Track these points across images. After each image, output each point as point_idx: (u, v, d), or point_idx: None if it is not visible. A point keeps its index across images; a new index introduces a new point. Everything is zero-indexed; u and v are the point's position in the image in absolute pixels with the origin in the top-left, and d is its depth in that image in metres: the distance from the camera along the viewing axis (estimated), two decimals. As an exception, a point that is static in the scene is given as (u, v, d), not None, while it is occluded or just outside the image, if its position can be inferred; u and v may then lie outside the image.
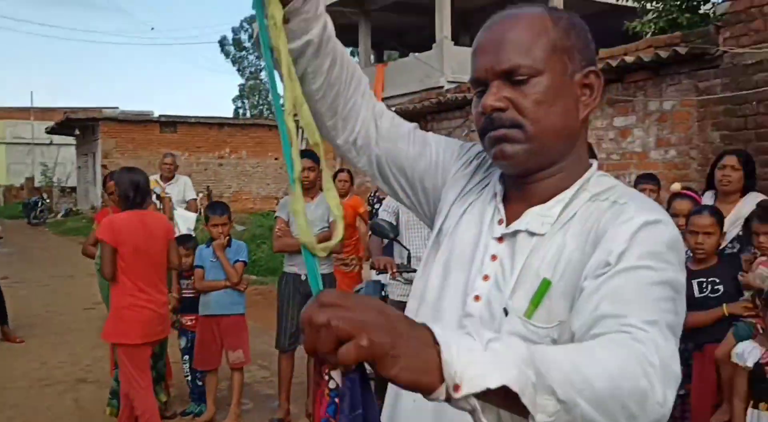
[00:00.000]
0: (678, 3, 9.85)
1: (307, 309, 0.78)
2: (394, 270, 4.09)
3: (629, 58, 5.79)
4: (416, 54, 22.51)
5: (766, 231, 3.43)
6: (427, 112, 8.65)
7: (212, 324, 4.86)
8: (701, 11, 9.61)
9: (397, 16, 22.98)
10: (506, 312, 1.11)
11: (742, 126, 5.26)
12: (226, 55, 53.04)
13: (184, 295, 5.08)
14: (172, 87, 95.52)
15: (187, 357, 5.10)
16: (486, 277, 1.16)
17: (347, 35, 23.58)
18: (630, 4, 10.62)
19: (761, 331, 3.09)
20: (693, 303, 3.59)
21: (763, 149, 5.10)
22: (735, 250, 3.93)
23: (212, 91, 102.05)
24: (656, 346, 0.89)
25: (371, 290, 4.86)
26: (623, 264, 1.00)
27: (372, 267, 4.23)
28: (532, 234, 1.14)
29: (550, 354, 0.81)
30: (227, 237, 4.87)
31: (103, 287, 5.18)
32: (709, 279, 3.64)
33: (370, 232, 4.78)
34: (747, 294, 3.47)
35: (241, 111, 53.90)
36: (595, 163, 1.22)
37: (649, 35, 10.46)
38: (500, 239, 1.18)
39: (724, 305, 3.53)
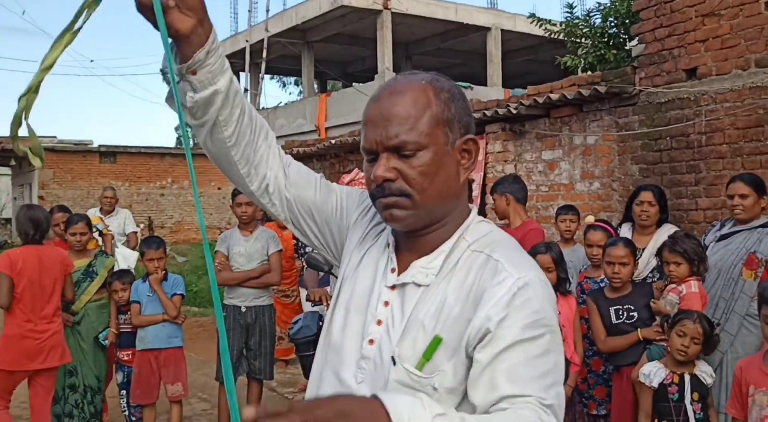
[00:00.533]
0: (605, 40, 10.32)
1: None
2: (328, 302, 4.22)
3: (554, 96, 6.10)
4: (358, 84, 22.82)
5: (675, 260, 3.68)
6: (367, 144, 8.86)
7: (150, 358, 4.88)
8: (627, 47, 10.09)
9: (340, 47, 23.25)
10: (394, 361, 1.22)
11: (658, 160, 5.61)
12: (168, 83, 52.48)
13: (121, 330, 5.07)
14: (111, 117, 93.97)
15: (124, 392, 5.08)
16: (379, 322, 1.28)
17: (290, 65, 23.80)
18: (561, 37, 11.05)
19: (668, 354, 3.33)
20: (611, 329, 3.86)
21: (676, 181, 5.44)
22: (655, 279, 4.18)
23: (153, 121, 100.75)
24: None
25: (309, 321, 4.96)
26: (508, 339, 1.13)
27: (308, 300, 4.33)
28: (418, 285, 1.26)
29: None
30: (163, 272, 4.93)
31: None
32: (625, 307, 3.89)
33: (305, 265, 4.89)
34: (659, 319, 3.72)
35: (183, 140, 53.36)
36: (474, 210, 1.36)
37: (579, 70, 10.97)
38: (393, 287, 1.29)
39: (639, 330, 3.78)
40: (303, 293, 6.69)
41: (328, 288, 4.41)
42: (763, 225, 3.81)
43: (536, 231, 4.45)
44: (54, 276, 4.52)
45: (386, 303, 1.28)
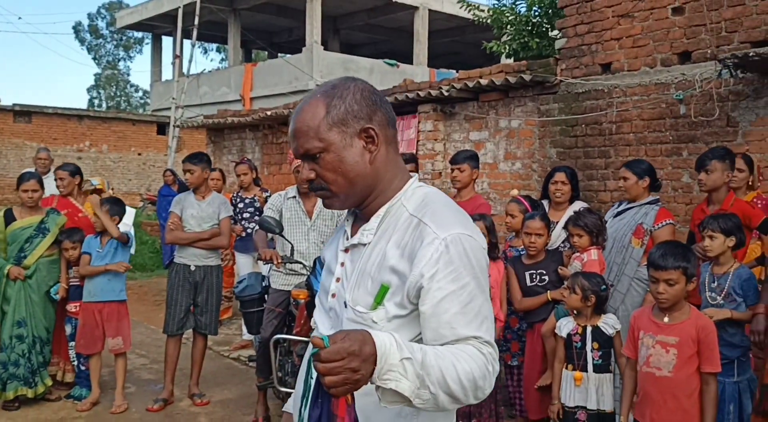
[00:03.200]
0: (529, 28, 10.89)
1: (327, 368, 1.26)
2: (279, 261, 4.56)
3: (484, 81, 6.61)
4: (286, 55, 22.79)
5: (578, 232, 4.30)
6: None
7: (94, 311, 5.10)
8: (549, 35, 10.68)
9: (267, 17, 23.07)
10: (345, 305, 1.58)
11: (574, 144, 6.22)
12: (81, 42, 50.23)
13: (71, 283, 5.28)
14: (20, 75, 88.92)
15: (73, 343, 5.31)
16: (338, 279, 1.64)
17: (216, 32, 23.47)
18: (488, 23, 11.54)
19: (575, 312, 3.90)
20: (525, 291, 4.44)
21: (588, 165, 6.07)
22: (566, 248, 4.78)
23: (65, 81, 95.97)
24: (493, 357, 1.47)
25: (253, 280, 5.33)
26: (442, 291, 1.45)
27: (259, 259, 4.66)
28: (363, 244, 1.60)
29: (428, 363, 1.35)
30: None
31: None
32: (538, 271, 4.47)
33: (256, 227, 5.17)
34: (565, 282, 4.31)
35: (96, 101, 51.39)
36: (414, 177, 1.66)
37: (503, 55, 11.54)
38: (346, 250, 1.66)
39: (548, 292, 4.37)
40: (239, 256, 7.02)
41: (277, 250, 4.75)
42: (649, 203, 4.50)
43: (485, 206, 4.94)
44: None
45: (342, 264, 1.65)
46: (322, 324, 1.68)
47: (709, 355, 3.10)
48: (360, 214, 1.67)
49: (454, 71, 21.89)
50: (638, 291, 4.34)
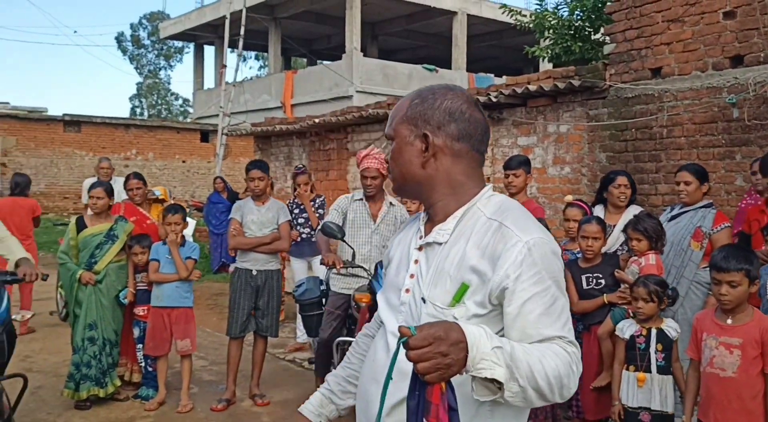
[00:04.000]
0: (572, 32, 10.91)
1: (418, 354, 1.32)
2: (341, 266, 4.71)
3: (532, 87, 6.69)
4: (326, 62, 23.09)
5: (637, 237, 4.34)
6: (348, 124, 9.32)
7: (163, 315, 5.33)
8: (593, 38, 10.68)
9: (307, 25, 23.40)
10: (424, 301, 1.62)
11: (624, 149, 6.26)
12: (123, 52, 51.47)
13: (138, 288, 5.51)
14: (64, 84, 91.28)
15: (140, 345, 5.54)
16: (412, 275, 1.69)
17: (256, 40, 23.87)
18: (530, 27, 11.56)
19: (632, 315, 3.98)
20: (582, 294, 4.51)
21: (639, 169, 6.11)
22: (624, 252, 4.83)
23: (108, 90, 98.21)
24: (576, 357, 1.52)
25: (312, 284, 5.51)
26: (526, 293, 1.51)
27: (322, 263, 4.82)
28: (438, 243, 1.66)
29: (516, 356, 1.40)
30: (181, 236, 5.37)
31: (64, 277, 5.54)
32: (594, 275, 4.53)
33: (311, 232, 5.35)
34: (622, 286, 4.37)
35: (138, 110, 52.53)
36: (488, 187, 1.72)
37: (545, 59, 11.57)
38: (420, 248, 1.71)
39: (604, 295, 4.44)
40: (294, 261, 7.19)
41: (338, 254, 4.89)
42: (704, 206, 4.53)
43: (539, 210, 5.02)
44: (20, 215, 7.51)
45: (416, 261, 1.70)
46: (389, 321, 1.71)
47: (774, 357, 3.15)
48: (430, 217, 1.74)
49: (492, 75, 21.97)
50: (697, 294, 4.38)
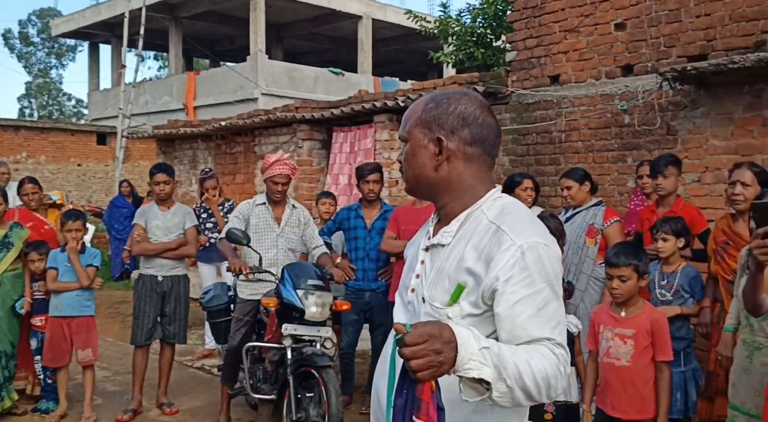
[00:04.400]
0: (474, 39, 11.23)
1: (412, 351, 1.35)
2: (247, 272, 4.69)
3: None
4: (230, 64, 22.70)
5: None
6: (256, 127, 9.24)
7: (62, 325, 5.09)
8: (495, 45, 11.04)
9: (209, 25, 22.92)
10: (423, 300, 1.69)
11: (526, 152, 6.53)
12: (11, 49, 48.76)
13: (35, 297, 5.27)
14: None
15: (38, 357, 5.30)
16: (417, 276, 1.76)
17: (155, 39, 23.20)
18: (435, 33, 11.81)
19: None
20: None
21: (540, 172, 6.38)
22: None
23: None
24: (565, 359, 1.54)
25: (220, 290, 5.44)
26: (517, 295, 1.54)
27: (228, 270, 4.76)
28: (442, 245, 1.71)
29: (504, 357, 1.43)
30: (81, 243, 5.18)
31: None
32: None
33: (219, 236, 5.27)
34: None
35: (27, 111, 49.90)
36: (496, 189, 1.74)
37: (450, 65, 11.86)
38: (426, 249, 1.77)
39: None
40: (202, 267, 7.07)
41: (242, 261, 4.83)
42: (594, 205, 4.85)
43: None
44: None
45: (422, 262, 1.76)
46: (398, 318, 1.80)
47: (662, 346, 3.38)
48: (440, 219, 1.78)
49: (398, 79, 22.27)
50: (595, 289, 4.64)
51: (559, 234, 4.50)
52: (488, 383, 1.42)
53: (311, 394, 4.34)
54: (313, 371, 4.26)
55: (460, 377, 1.42)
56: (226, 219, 6.76)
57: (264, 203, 4.89)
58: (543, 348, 1.54)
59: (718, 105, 5.24)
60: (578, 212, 4.89)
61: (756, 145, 5.05)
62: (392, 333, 1.75)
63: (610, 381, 3.43)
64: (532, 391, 1.47)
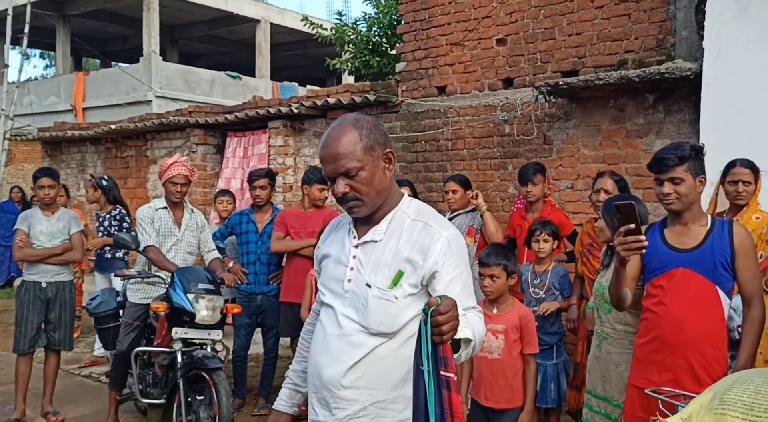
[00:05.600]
0: (370, 47, 11.47)
1: (446, 318, 1.63)
2: (130, 275, 4.71)
3: (331, 100, 7.03)
4: (122, 65, 22.03)
5: None
6: (148, 131, 9.10)
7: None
8: (390, 54, 11.31)
9: (100, 24, 22.16)
10: (369, 286, 1.99)
11: (415, 159, 6.79)
12: None
13: None
14: None
15: None
16: (352, 269, 2.05)
17: (41, 37, 22.22)
18: (331, 41, 11.95)
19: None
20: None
21: (428, 178, 6.66)
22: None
23: None
24: (484, 322, 2.01)
25: (107, 296, 5.38)
26: (450, 275, 1.95)
27: (116, 275, 4.75)
28: (374, 241, 2.04)
29: (469, 321, 1.86)
30: None
31: None
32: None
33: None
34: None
35: None
36: (406, 194, 2.14)
37: (346, 72, 12.05)
38: (356, 246, 2.07)
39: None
40: (98, 276, 6.92)
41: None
42: (472, 210, 5.20)
43: (335, 214, 5.21)
44: None
45: (354, 257, 2.06)
46: (338, 305, 2.05)
47: (530, 340, 3.67)
48: (363, 222, 2.08)
49: (296, 84, 22.29)
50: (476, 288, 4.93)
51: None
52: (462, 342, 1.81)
53: (202, 397, 4.39)
54: (203, 374, 4.31)
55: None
56: (115, 227, 6.65)
57: (165, 207, 4.91)
58: (474, 314, 1.98)
59: (588, 117, 5.68)
60: (458, 214, 5.19)
61: (620, 155, 5.50)
62: (327, 317, 2.12)
63: (484, 374, 3.69)
64: (476, 347, 1.91)
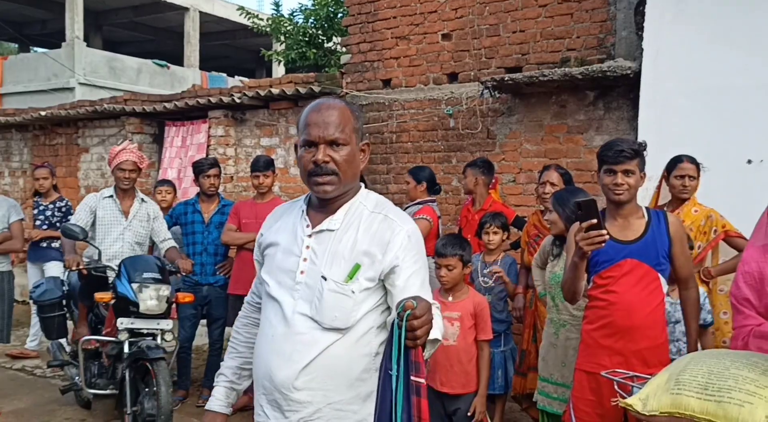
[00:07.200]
0: (306, 39, 11.44)
1: (421, 322, 1.60)
2: (82, 266, 4.58)
3: (275, 90, 6.99)
4: (42, 50, 21.17)
5: None
6: (80, 119, 8.81)
7: None
8: (326, 46, 11.31)
9: (16, 6, 21.19)
10: (324, 278, 1.88)
11: (358, 151, 6.84)
12: None
13: None
14: None
15: None
16: (305, 259, 1.93)
17: (-45, 20, 21.08)
18: (267, 31, 11.85)
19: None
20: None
21: (372, 170, 6.72)
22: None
23: None
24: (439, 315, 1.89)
25: (52, 285, 5.21)
26: (409, 270, 1.87)
27: (65, 266, 4.61)
28: (330, 231, 1.93)
29: (436, 320, 1.75)
30: None
31: None
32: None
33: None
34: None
35: None
36: (362, 185, 2.04)
37: (281, 63, 11.97)
38: (310, 236, 1.95)
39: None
40: (30, 267, 6.67)
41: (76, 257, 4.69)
42: (419, 203, 5.18)
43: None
44: None
45: (307, 247, 1.94)
46: (285, 299, 1.93)
47: (483, 326, 3.79)
48: (318, 209, 1.98)
49: (225, 75, 21.93)
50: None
51: None
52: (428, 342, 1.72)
53: (148, 388, 4.33)
54: (147, 364, 4.26)
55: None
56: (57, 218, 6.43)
57: (111, 196, 4.81)
58: (436, 311, 1.88)
59: (531, 113, 5.86)
60: (410, 206, 5.26)
61: (561, 150, 5.71)
62: (273, 312, 1.99)
63: (440, 360, 3.78)
64: (436, 343, 1.83)
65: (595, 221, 2.77)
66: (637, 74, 4.96)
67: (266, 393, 1.95)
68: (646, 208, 3.23)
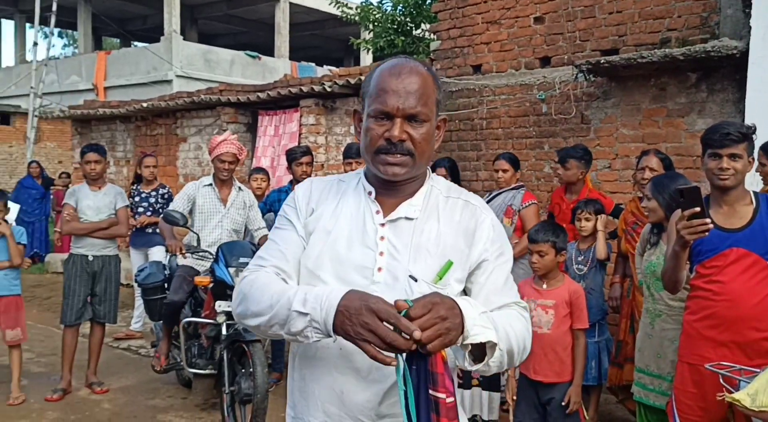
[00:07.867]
0: (395, 26, 11.45)
1: (422, 322, 1.28)
2: (183, 252, 4.78)
3: (365, 78, 7.04)
4: (145, 45, 22.06)
5: None
6: (178, 109, 9.15)
7: (-9, 304, 5.03)
8: (414, 34, 11.29)
9: (120, 3, 22.19)
10: (415, 279, 1.54)
11: (449, 139, 6.80)
12: None
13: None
14: None
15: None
16: (381, 253, 1.57)
17: (66, 17, 22.28)
18: (356, 20, 11.94)
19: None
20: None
21: (462, 157, 6.68)
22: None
23: None
24: (530, 322, 1.61)
25: (154, 269, 5.46)
26: (494, 263, 1.59)
27: (167, 251, 4.84)
28: (409, 219, 1.60)
29: (496, 321, 1.43)
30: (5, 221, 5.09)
31: None
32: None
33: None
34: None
35: None
36: (428, 169, 1.69)
37: (369, 52, 12.04)
38: (383, 225, 1.59)
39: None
40: (133, 253, 7.01)
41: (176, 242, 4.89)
42: (514, 188, 5.08)
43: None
44: None
45: (382, 238, 1.58)
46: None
47: (579, 315, 3.70)
48: (387, 192, 1.63)
49: (314, 64, 22.26)
50: (518, 266, 4.94)
51: None
52: (484, 352, 1.41)
53: (244, 369, 4.48)
54: (244, 345, 4.40)
55: (464, 345, 1.39)
56: (159, 205, 6.72)
57: (210, 184, 5.00)
58: (514, 312, 1.58)
59: (628, 96, 5.66)
60: (500, 193, 5.18)
61: (660, 134, 5.49)
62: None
63: (533, 348, 3.68)
64: (514, 353, 1.49)
65: (698, 209, 2.67)
66: (744, 54, 4.71)
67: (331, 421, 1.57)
68: (755, 192, 3.07)
